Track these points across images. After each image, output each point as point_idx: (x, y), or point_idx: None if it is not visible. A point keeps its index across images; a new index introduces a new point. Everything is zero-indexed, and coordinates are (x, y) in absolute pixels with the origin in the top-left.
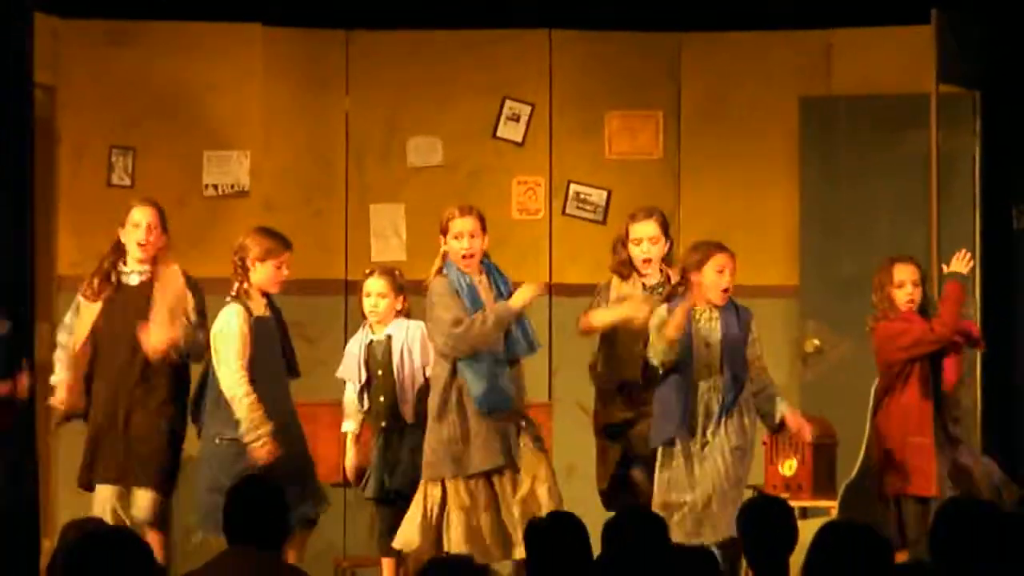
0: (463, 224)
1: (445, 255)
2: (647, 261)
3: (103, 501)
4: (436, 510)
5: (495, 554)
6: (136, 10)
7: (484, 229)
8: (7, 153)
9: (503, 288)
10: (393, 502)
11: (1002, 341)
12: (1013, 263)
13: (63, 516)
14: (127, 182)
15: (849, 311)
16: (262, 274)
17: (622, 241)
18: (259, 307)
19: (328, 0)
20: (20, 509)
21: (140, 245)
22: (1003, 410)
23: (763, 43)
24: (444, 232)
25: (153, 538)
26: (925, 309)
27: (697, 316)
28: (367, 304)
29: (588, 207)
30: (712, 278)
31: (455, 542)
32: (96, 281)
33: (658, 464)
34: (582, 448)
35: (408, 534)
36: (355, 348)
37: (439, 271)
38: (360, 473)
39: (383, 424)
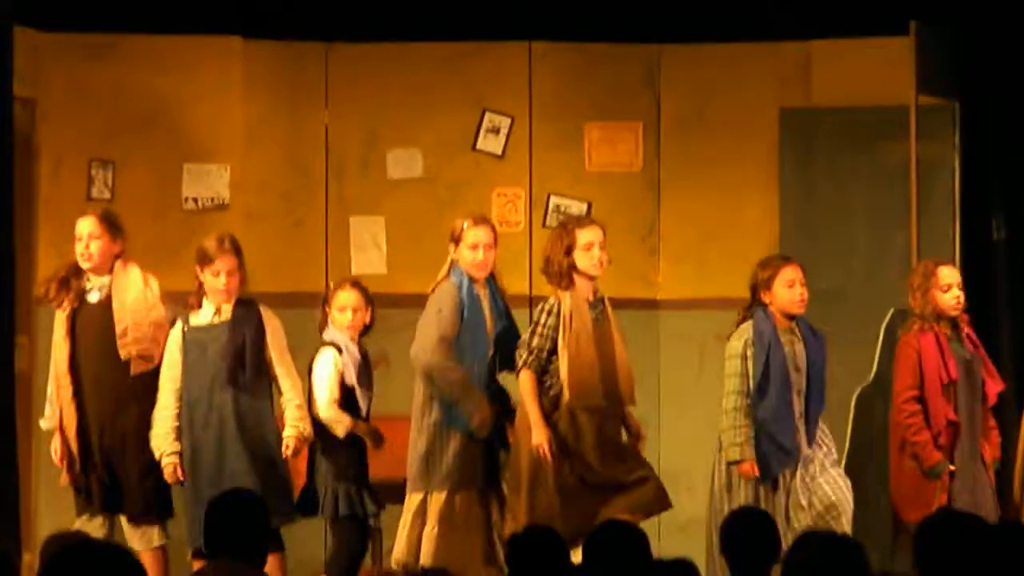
0: (479, 234)
1: (453, 263)
2: (599, 264)
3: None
4: (417, 522)
5: (476, 573)
6: (116, 24)
7: (496, 240)
8: None
9: (500, 306)
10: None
11: None
12: (992, 274)
13: (44, 529)
14: (107, 195)
15: (829, 321)
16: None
17: (566, 249)
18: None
19: (308, 13)
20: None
21: (81, 256)
22: None
23: (742, 54)
24: (457, 241)
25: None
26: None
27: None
28: (346, 319)
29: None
30: (783, 293)
31: (427, 555)
32: (53, 287)
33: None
34: None
35: (400, 550)
36: (332, 367)
37: (446, 278)
38: None
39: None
